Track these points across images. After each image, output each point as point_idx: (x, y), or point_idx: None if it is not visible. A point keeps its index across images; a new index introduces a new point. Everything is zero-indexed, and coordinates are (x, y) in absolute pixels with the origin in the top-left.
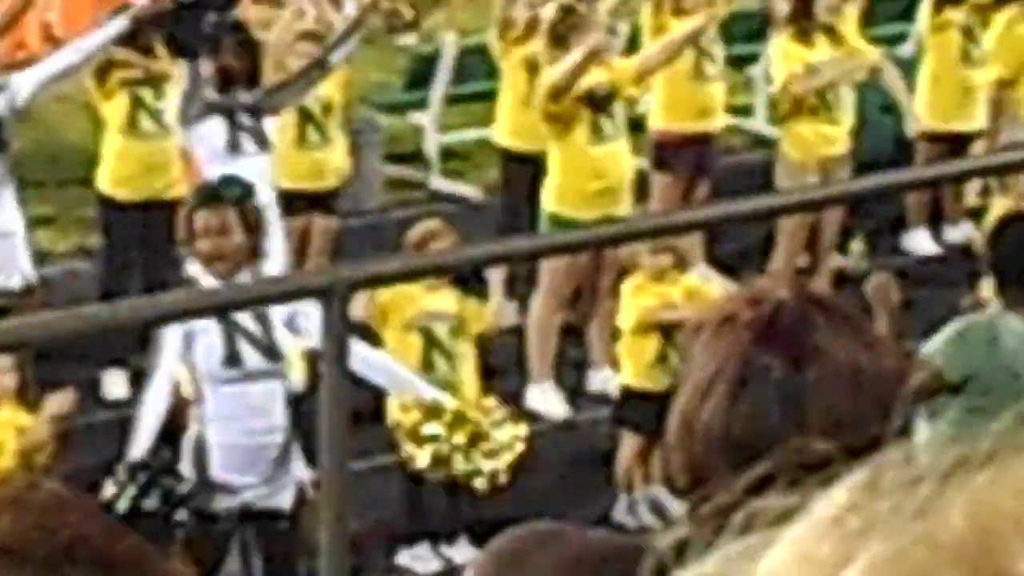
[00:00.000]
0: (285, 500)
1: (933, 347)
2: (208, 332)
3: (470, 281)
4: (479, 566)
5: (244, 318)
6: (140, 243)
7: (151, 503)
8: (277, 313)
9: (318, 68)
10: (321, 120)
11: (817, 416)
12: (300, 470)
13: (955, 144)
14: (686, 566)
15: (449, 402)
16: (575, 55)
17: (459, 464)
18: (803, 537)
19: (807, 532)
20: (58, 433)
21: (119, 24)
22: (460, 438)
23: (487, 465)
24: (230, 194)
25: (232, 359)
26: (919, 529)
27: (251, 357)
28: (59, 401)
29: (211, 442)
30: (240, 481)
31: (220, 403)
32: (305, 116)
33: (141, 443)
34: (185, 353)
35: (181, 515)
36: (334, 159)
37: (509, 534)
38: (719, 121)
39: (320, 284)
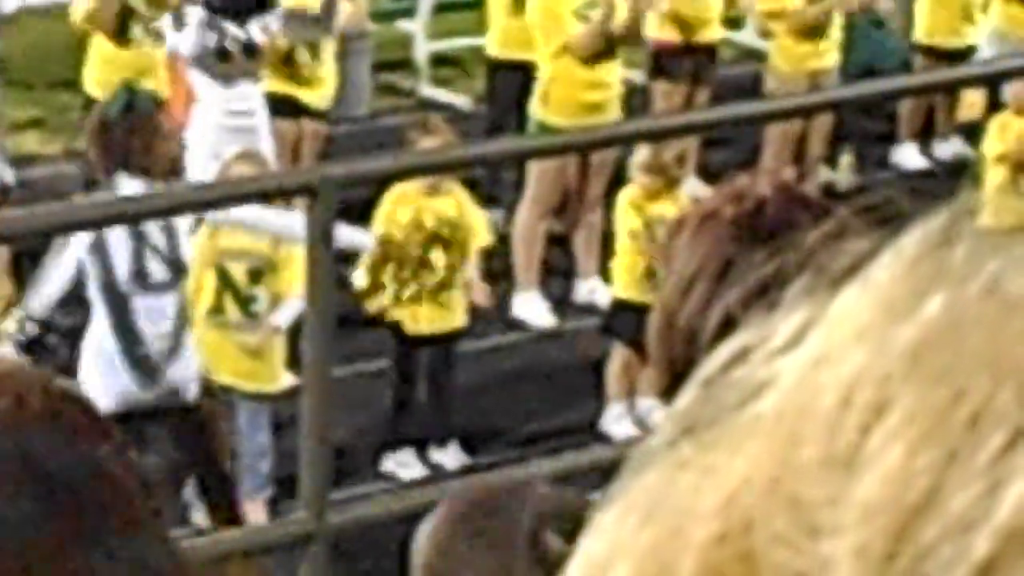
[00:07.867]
0: (189, 393)
1: None
2: (118, 244)
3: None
4: (438, 523)
5: (153, 231)
6: None
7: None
8: (184, 224)
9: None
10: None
11: None
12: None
13: (952, 61)
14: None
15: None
16: (595, 26)
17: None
18: (876, 281)
19: (880, 276)
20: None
21: None
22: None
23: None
24: None
25: (139, 274)
26: (987, 280)
27: (157, 271)
28: None
29: (102, 348)
30: (122, 383)
31: (116, 313)
32: None
33: (42, 299)
34: (93, 259)
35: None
36: (323, 76)
37: (466, 491)
38: (716, 32)
39: (306, 182)
